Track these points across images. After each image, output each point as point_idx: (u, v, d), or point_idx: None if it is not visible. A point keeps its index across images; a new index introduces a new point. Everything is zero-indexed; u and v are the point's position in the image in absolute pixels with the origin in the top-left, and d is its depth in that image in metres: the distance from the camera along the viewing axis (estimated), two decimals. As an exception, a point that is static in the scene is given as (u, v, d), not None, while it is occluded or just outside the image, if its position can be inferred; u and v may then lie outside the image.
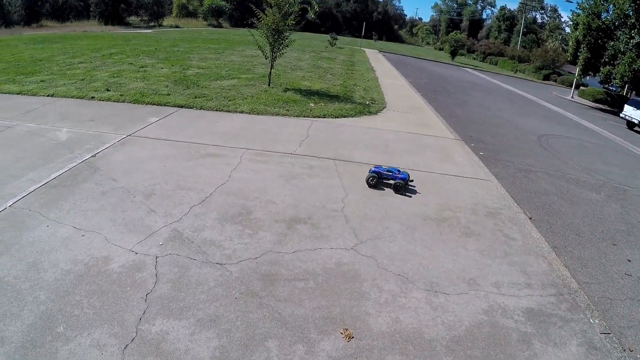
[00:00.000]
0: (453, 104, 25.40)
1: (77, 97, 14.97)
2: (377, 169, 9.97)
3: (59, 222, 7.22)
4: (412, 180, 10.23)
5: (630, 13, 38.20)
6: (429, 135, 15.36)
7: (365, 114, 17.13)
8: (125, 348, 4.85)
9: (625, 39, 38.42)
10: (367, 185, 9.84)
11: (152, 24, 69.97)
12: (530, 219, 10.01)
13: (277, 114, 15.10)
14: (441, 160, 12.69)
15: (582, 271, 8.51)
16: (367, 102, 19.31)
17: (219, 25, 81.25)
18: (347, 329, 5.50)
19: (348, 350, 5.20)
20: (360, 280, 6.48)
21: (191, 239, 7.04)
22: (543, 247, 8.52)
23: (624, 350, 6.37)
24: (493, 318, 6.19)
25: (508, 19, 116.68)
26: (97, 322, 5.20)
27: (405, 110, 19.39)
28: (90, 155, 9.94)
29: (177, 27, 69.44)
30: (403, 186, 9.81)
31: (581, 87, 49.33)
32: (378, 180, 9.84)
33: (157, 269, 6.27)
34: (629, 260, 9.38)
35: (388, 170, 9.99)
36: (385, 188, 9.91)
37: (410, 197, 9.72)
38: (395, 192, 9.77)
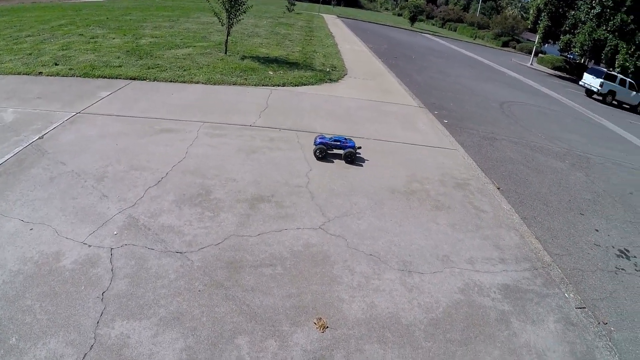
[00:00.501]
0: (414, 70, 25.07)
1: (24, 74, 13.88)
2: (322, 140, 9.48)
3: (4, 215, 6.48)
4: (360, 148, 9.79)
5: (592, -17, 38.48)
6: (392, 103, 14.99)
7: (326, 82, 16.62)
8: (84, 358, 4.34)
9: (586, 9, 38.77)
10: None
11: (103, -10, 66.91)
12: (498, 189, 9.81)
13: (235, 84, 14.44)
14: (405, 128, 12.35)
15: (552, 243, 8.37)
16: (328, 69, 18.77)
17: (173, -8, 78.38)
18: (320, 318, 5.13)
19: (323, 342, 4.85)
20: (331, 263, 6.10)
21: (148, 226, 6.49)
22: (514, 219, 8.32)
23: (599, 323, 6.27)
24: (470, 297, 5.94)
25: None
26: (52, 329, 4.66)
27: (366, 77, 18.95)
28: (37, 137, 9.10)
29: (129, -7, 66.62)
30: (354, 155, 9.39)
31: (540, 55, 49.74)
32: (326, 151, 9.38)
33: (112, 262, 5.71)
34: (597, 230, 9.34)
35: (335, 140, 9.52)
36: (334, 160, 9.47)
37: (377, 169, 9.34)
38: (347, 162, 9.36)
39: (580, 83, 33.48)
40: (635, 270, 8.14)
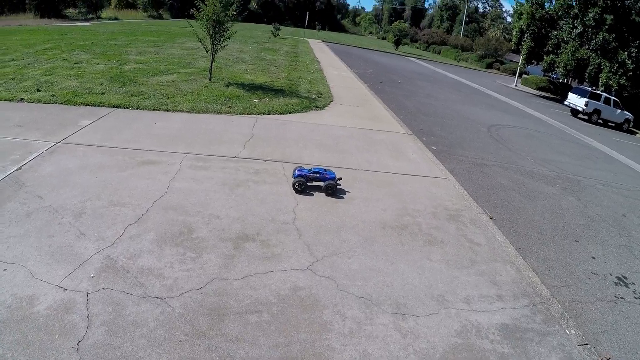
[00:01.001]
0: (400, 95, 24.99)
1: (4, 99, 13.50)
2: (301, 172, 9.13)
3: (-23, 254, 6.11)
4: (340, 179, 9.43)
5: (574, 3, 39.03)
6: (380, 130, 14.78)
7: (312, 109, 16.38)
8: None
9: (568, 29, 39.28)
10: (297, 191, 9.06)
11: (90, 16, 66.27)
12: (491, 218, 9.56)
13: (219, 112, 14.14)
14: (395, 157, 12.10)
15: (550, 274, 8.12)
16: (314, 96, 18.58)
17: (160, 17, 78.49)
18: (309, 372, 4.76)
19: (312, 399, 4.48)
20: (320, 308, 5.74)
21: (126, 268, 6.10)
22: (509, 251, 8.06)
23: (602, 359, 5.99)
24: (468, 340, 5.61)
25: (450, 8, 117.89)
26: (22, 384, 4.25)
27: (353, 104, 18.77)
28: (15, 169, 8.69)
29: (116, 19, 66.42)
30: (335, 187, 9.06)
31: (524, 75, 50.15)
32: (305, 184, 9.02)
33: (88, 308, 5.30)
34: (593, 257, 9.14)
35: (314, 172, 9.17)
36: (313, 192, 9.11)
37: (367, 202, 9.04)
38: (327, 195, 9.01)
39: (565, 103, 33.70)
40: (635, 298, 7.92)
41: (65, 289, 5.57)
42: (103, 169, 9.03)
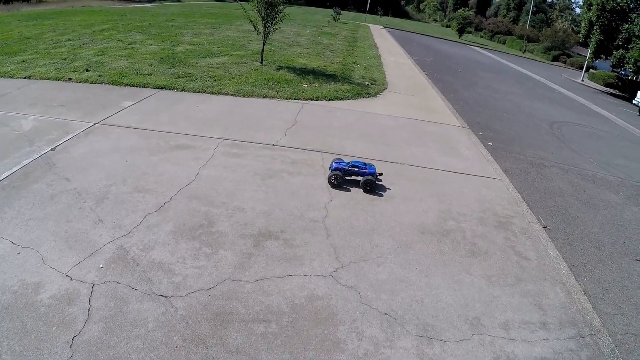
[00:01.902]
0: (460, 85, 23.86)
1: (54, 79, 13.66)
2: (339, 164, 8.50)
3: (-3, 235, 5.99)
4: (381, 174, 8.75)
5: (648, -5, 36.61)
6: (433, 122, 13.93)
7: (363, 96, 15.65)
8: None
9: (640, 22, 36.80)
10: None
11: (153, -3, 67.37)
12: (545, 228, 8.69)
13: (265, 96, 13.68)
14: (445, 152, 11.29)
15: (603, 298, 7.19)
16: (367, 83, 17.82)
17: (222, -1, 78.90)
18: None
19: None
20: (336, 323, 5.16)
21: (137, 261, 5.74)
22: (560, 268, 7.21)
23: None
24: (500, 376, 4.91)
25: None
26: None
27: (407, 92, 17.90)
28: (49, 149, 8.67)
29: (178, 0, 67.09)
30: (374, 183, 8.39)
31: (591, 70, 47.60)
32: (342, 178, 8.38)
33: (90, 302, 5.05)
34: (655, 281, 8.11)
35: (352, 165, 8.50)
36: (350, 187, 8.47)
37: (408, 201, 8.34)
38: (365, 192, 8.36)
39: (633, 102, 31.68)
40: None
41: (72, 279, 5.35)
42: (134, 152, 8.77)
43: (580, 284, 7.11)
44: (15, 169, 7.87)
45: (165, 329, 4.77)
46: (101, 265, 5.60)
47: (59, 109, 10.88)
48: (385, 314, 5.41)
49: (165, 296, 5.20)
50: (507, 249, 7.34)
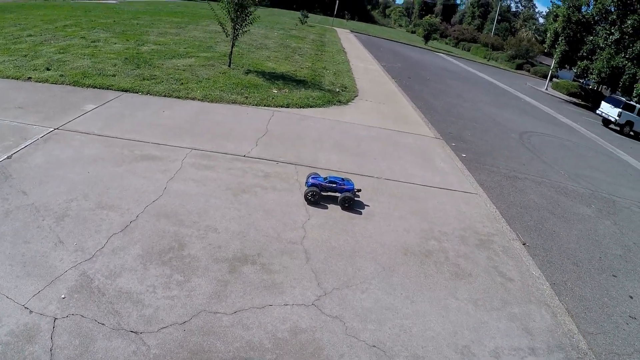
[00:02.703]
0: (429, 93, 23.85)
1: (12, 78, 12.81)
2: (315, 180, 8.13)
3: (-55, 259, 5.37)
4: (359, 190, 8.42)
5: (612, 9, 37.43)
6: (407, 133, 13.72)
7: (334, 104, 15.36)
8: None
9: (604, 35, 37.68)
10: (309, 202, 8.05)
11: (118, -7, 65.73)
12: (524, 244, 8.54)
13: (234, 102, 13.22)
14: (421, 165, 11.06)
15: (585, 317, 7.07)
16: (337, 89, 17.55)
17: (189, -3, 77.66)
18: None
19: None
20: (323, 359, 4.77)
21: (102, 290, 5.22)
22: (544, 289, 7.05)
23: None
24: (495, 411, 4.62)
25: (482, 6, 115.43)
26: None
27: (378, 100, 17.70)
28: (5, 157, 7.97)
29: (144, -3, 65.70)
30: (352, 200, 8.04)
31: (555, 79, 48.51)
32: (319, 194, 8.00)
33: (53, 339, 4.48)
34: (631, 297, 8.10)
35: (330, 181, 8.14)
36: (327, 204, 8.10)
37: (389, 219, 8.02)
38: (344, 209, 8.00)
39: (597, 112, 32.35)
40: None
41: (31, 311, 4.79)
42: (97, 163, 8.20)
43: (563, 304, 6.96)
44: (-34, 180, 7.21)
45: (137, 372, 4.32)
46: (63, 296, 5.04)
47: (17, 112, 10.18)
48: (374, 346, 5.06)
49: (135, 332, 4.71)
50: (490, 269, 7.11)
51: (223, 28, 16.59)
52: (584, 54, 40.24)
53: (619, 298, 7.91)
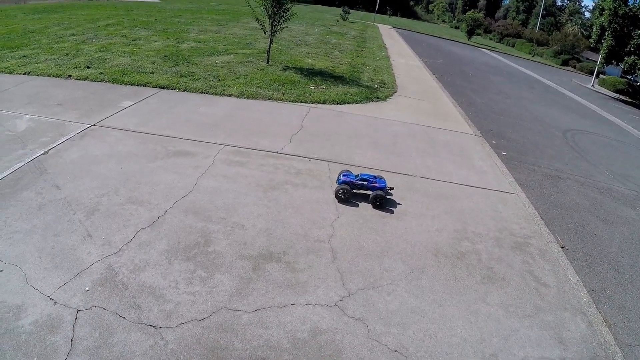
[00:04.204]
0: (471, 89, 23.32)
1: (53, 76, 13.23)
2: (347, 177, 8.00)
3: (-22, 250, 5.54)
4: (392, 188, 8.26)
5: (661, 1, 35.94)
6: (445, 130, 13.41)
7: (372, 100, 15.16)
8: None
9: (653, 28, 36.15)
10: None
11: (160, -8, 66.78)
12: (563, 248, 8.19)
13: (270, 98, 13.20)
14: (459, 163, 10.78)
15: (624, 328, 6.67)
16: (376, 86, 17.32)
17: (231, -6, 78.39)
18: None
19: None
20: (342, 362, 4.66)
21: (126, 284, 5.27)
22: (581, 296, 6.71)
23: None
24: None
25: (527, 0, 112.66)
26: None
27: (418, 97, 17.38)
28: (42, 152, 8.23)
29: (186, -5, 66.60)
30: (384, 198, 7.87)
31: (601, 76, 46.91)
32: (351, 192, 7.87)
33: (74, 330, 4.57)
34: (676, 307, 7.59)
35: (362, 179, 7.99)
36: (358, 202, 7.96)
37: (421, 219, 7.83)
38: (375, 207, 7.85)
39: (645, 109, 31.11)
40: None
41: (55, 302, 4.90)
42: (130, 159, 8.31)
43: (600, 312, 6.62)
44: (5, 173, 7.42)
45: (154, 367, 4.31)
46: (87, 288, 5.13)
47: (56, 109, 10.44)
48: (396, 350, 4.91)
49: (154, 326, 4.73)
50: (525, 274, 6.84)
51: (261, 25, 16.60)
52: (632, 49, 38.66)
53: (662, 307, 7.52)
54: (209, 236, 6.34)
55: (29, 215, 6.38)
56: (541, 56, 67.70)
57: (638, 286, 7.87)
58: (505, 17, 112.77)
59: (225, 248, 6.13)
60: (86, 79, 13.19)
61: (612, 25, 40.00)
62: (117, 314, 4.84)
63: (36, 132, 9.08)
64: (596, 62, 46.35)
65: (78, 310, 4.82)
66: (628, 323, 6.78)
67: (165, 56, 16.75)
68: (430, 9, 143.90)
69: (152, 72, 14.25)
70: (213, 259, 5.88)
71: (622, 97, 42.00)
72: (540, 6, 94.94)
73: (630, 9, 39.25)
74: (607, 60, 43.18)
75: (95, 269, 5.45)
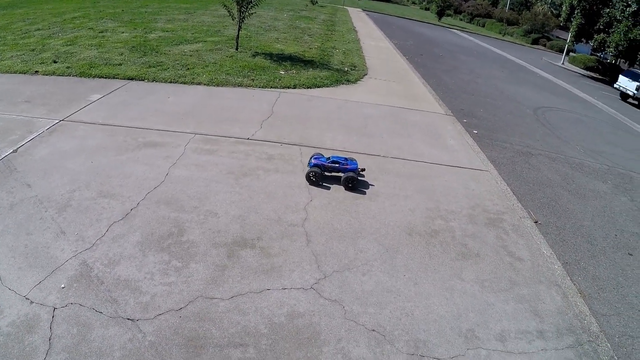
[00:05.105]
0: (441, 70, 23.41)
1: (20, 72, 12.88)
2: (318, 160, 7.99)
3: (-50, 252, 5.40)
4: (363, 170, 8.32)
5: (629, -21, 36.35)
6: (416, 110, 13.46)
7: (343, 83, 15.14)
8: None
9: (621, 7, 36.56)
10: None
11: (127, -19, 65.51)
12: (536, 222, 8.30)
13: (240, 85, 13.09)
14: (430, 143, 10.83)
15: (599, 298, 6.81)
16: (346, 69, 17.28)
17: (197, -18, 77.30)
18: None
19: None
20: (320, 343, 4.68)
21: (101, 278, 5.20)
22: (555, 268, 6.82)
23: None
24: (499, 395, 4.48)
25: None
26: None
27: (388, 78, 17.40)
28: (11, 151, 8.03)
29: (153, -16, 65.51)
30: (356, 180, 7.90)
31: (571, 54, 47.46)
32: (322, 174, 7.89)
33: (52, 329, 4.52)
34: (648, 277, 7.75)
35: (333, 161, 7.99)
36: (331, 185, 7.97)
37: (394, 199, 7.85)
38: (347, 189, 7.87)
39: (615, 86, 31.51)
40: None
41: (32, 302, 4.84)
42: (100, 152, 8.17)
43: (575, 284, 6.74)
44: (-27, 174, 7.23)
45: (133, 359, 4.26)
46: (63, 286, 5.06)
47: (24, 106, 10.20)
48: (373, 330, 4.94)
49: (132, 319, 4.68)
50: (499, 249, 6.92)
51: (229, 11, 16.40)
52: (601, 27, 39.16)
53: (634, 277, 7.64)
54: (182, 226, 6.28)
55: (1, 215, 6.24)
56: (511, 35, 68.23)
57: (611, 257, 8.01)
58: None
59: (199, 237, 6.08)
60: (53, 73, 12.90)
61: (581, 4, 40.41)
62: (94, 309, 4.78)
63: (4, 130, 8.86)
64: (566, 40, 46.86)
65: (55, 308, 4.75)
66: (602, 293, 6.91)
67: (133, 47, 16.46)
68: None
69: (120, 64, 14.00)
70: (187, 248, 5.83)
71: (592, 74, 42.55)
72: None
73: (599, -13, 39.69)
74: (577, 38, 43.68)
75: (69, 266, 5.37)
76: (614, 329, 6.16)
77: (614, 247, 8.47)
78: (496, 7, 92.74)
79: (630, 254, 8.38)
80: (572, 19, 42.42)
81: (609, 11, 38.15)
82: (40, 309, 4.74)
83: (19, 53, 14.88)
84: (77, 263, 5.43)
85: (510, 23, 74.93)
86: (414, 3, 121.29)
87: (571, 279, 6.80)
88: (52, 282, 5.12)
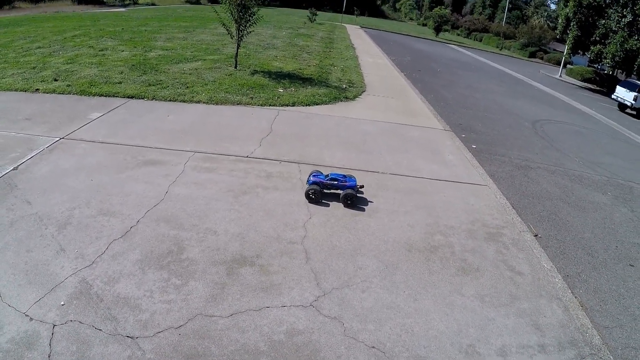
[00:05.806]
0: (439, 85, 23.55)
1: (21, 90, 12.97)
2: (317, 177, 8.01)
3: (-49, 269, 5.43)
4: (362, 187, 8.37)
5: (623, -10, 36.64)
6: (415, 126, 13.52)
7: (341, 100, 15.22)
8: None
9: (617, 18, 36.83)
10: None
11: (127, 2, 66.14)
12: (536, 236, 8.31)
13: (239, 103, 13.16)
14: (429, 158, 10.87)
15: (601, 310, 6.79)
16: (345, 86, 17.38)
17: (197, 2, 77.99)
18: None
19: None
20: (320, 361, 4.66)
21: (101, 296, 5.20)
22: (556, 282, 6.81)
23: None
24: (501, 411, 4.45)
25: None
26: None
27: (386, 94, 17.50)
28: (12, 168, 8.06)
29: (153, 4, 66.11)
30: (355, 197, 7.91)
31: (569, 66, 47.71)
32: (321, 192, 7.91)
33: (51, 346, 4.52)
34: (650, 287, 7.73)
35: (332, 178, 8.03)
36: (330, 202, 7.99)
37: (393, 215, 7.87)
38: (346, 206, 7.87)
39: (612, 96, 31.64)
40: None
41: (31, 319, 4.84)
42: (100, 170, 8.21)
43: (576, 297, 6.73)
44: (-26, 192, 7.25)
45: (131, 377, 4.27)
46: (62, 303, 5.07)
47: (24, 123, 10.26)
48: (373, 347, 4.93)
49: (131, 337, 4.68)
50: (499, 263, 6.92)
51: (227, 30, 16.55)
52: (597, 39, 39.38)
53: (636, 289, 7.62)
54: (181, 244, 6.29)
55: (1, 232, 6.26)
56: (509, 49, 68.69)
57: (612, 269, 8.00)
58: (472, 12, 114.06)
59: (199, 255, 6.09)
60: (54, 91, 13.00)
61: (577, 16, 40.67)
62: (93, 326, 4.78)
63: (5, 148, 8.92)
64: (563, 52, 47.09)
65: (54, 325, 4.76)
66: (604, 306, 6.90)
67: (133, 65, 16.59)
68: (398, 7, 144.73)
69: (120, 82, 14.11)
70: (187, 266, 5.84)
71: (589, 85, 42.74)
72: (506, 0, 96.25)
73: (595, -1, 39.96)
74: (574, 50, 43.90)
75: (69, 283, 5.38)
76: (617, 341, 6.13)
77: (615, 258, 8.47)
78: (493, 22, 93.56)
79: (632, 265, 8.37)
80: (568, 31, 42.69)
81: (604, 22, 38.40)
82: (39, 325, 4.75)
83: (20, 71, 15.00)
84: (77, 280, 5.44)
85: (507, 37, 75.48)
86: (411, 19, 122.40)
87: (572, 292, 6.79)
88: (52, 299, 5.13)
